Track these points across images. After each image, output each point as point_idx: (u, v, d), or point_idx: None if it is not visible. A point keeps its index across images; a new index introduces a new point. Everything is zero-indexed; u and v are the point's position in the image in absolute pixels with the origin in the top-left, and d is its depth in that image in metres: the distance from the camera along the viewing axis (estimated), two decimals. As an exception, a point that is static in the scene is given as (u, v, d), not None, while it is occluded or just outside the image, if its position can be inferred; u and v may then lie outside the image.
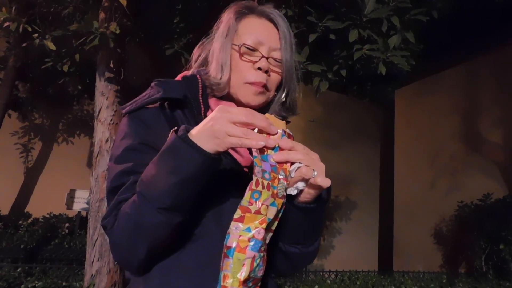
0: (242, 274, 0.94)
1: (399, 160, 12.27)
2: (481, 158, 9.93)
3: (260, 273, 0.98)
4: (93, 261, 4.47)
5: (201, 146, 0.96)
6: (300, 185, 1.03)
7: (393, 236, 11.90)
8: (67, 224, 9.27)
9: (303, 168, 1.01)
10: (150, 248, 1.04)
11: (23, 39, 5.27)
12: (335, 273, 7.86)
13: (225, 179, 1.09)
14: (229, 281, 0.94)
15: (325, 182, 1.02)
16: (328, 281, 6.95)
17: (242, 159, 1.20)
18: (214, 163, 0.99)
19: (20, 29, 4.57)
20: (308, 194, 1.06)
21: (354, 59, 4.11)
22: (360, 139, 12.09)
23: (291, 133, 1.07)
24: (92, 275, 4.46)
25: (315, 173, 1.01)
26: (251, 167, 1.20)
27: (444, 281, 7.38)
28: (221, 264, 0.96)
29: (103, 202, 4.55)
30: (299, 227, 1.13)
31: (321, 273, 7.99)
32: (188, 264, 1.10)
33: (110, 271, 4.45)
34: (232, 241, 0.95)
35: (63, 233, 8.85)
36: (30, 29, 4.61)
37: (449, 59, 10.55)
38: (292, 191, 1.03)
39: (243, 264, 0.94)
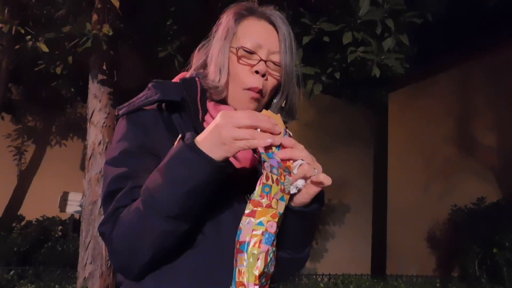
0: (258, 269, 0.94)
1: (393, 163, 12.27)
2: (475, 162, 9.94)
3: (272, 269, 0.99)
4: (85, 264, 4.45)
5: (209, 154, 0.96)
6: (300, 183, 1.04)
7: (387, 239, 11.88)
8: (60, 227, 9.23)
9: (305, 165, 1.03)
10: (154, 255, 1.04)
11: (16, 41, 5.24)
12: (328, 276, 7.86)
13: (224, 186, 1.07)
14: (245, 276, 0.94)
15: (327, 180, 1.04)
16: (321, 285, 6.95)
17: (238, 163, 1.19)
18: (222, 171, 0.99)
19: (13, 32, 4.55)
20: (306, 195, 1.07)
21: (348, 61, 4.11)
22: (354, 142, 12.07)
23: (290, 133, 1.08)
24: (84, 278, 4.45)
25: (316, 171, 1.03)
26: (246, 173, 1.20)
27: (438, 285, 7.39)
28: (234, 260, 0.96)
29: (96, 205, 4.53)
30: (293, 231, 1.12)
31: (314, 277, 7.99)
32: (184, 271, 1.08)
33: (102, 274, 4.43)
34: (245, 236, 0.96)
35: (56, 236, 8.82)
36: (23, 31, 4.60)
37: (443, 62, 10.55)
38: (292, 190, 1.04)
39: (258, 258, 0.94)
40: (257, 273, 0.94)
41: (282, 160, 1.01)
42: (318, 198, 1.11)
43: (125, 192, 1.08)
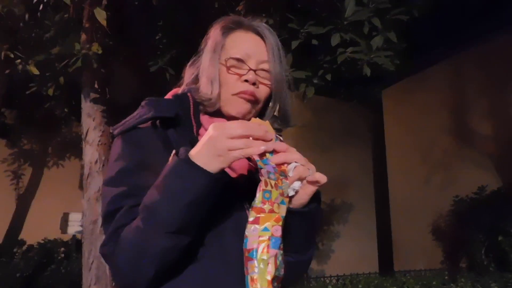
0: (270, 274, 0.96)
1: (392, 159, 12.28)
2: (473, 151, 9.94)
3: (282, 271, 1.01)
4: (90, 285, 4.42)
5: (204, 167, 0.98)
6: (297, 185, 1.08)
7: (392, 235, 11.88)
8: (62, 249, 9.17)
9: (299, 167, 1.06)
10: (157, 271, 1.03)
11: (6, 66, 5.23)
12: (336, 277, 7.84)
13: (222, 197, 1.08)
14: (258, 283, 0.96)
15: (322, 178, 1.08)
16: (330, 286, 6.93)
17: (233, 173, 1.20)
18: (218, 182, 1.00)
19: (2, 56, 4.55)
20: (304, 195, 1.10)
21: (338, 62, 4.13)
22: (351, 141, 12.07)
23: (281, 138, 1.12)
24: (90, 299, 4.41)
25: (311, 171, 1.08)
26: (242, 181, 1.21)
27: (446, 277, 7.35)
28: (245, 268, 0.98)
29: (96, 224, 4.51)
30: (295, 233, 1.13)
31: (322, 279, 7.97)
32: (190, 285, 1.08)
33: (108, 294, 4.40)
34: (252, 243, 0.98)
35: (59, 258, 8.75)
36: (12, 56, 4.59)
37: (434, 55, 10.58)
38: (290, 192, 1.07)
39: (268, 263, 0.96)
40: (269, 278, 0.96)
41: (277, 165, 1.04)
42: (316, 198, 1.14)
43: (125, 211, 1.07)
